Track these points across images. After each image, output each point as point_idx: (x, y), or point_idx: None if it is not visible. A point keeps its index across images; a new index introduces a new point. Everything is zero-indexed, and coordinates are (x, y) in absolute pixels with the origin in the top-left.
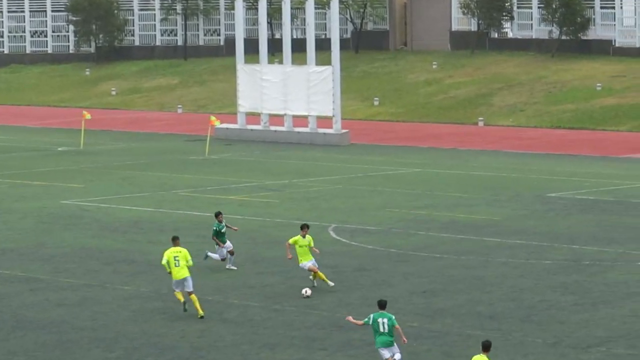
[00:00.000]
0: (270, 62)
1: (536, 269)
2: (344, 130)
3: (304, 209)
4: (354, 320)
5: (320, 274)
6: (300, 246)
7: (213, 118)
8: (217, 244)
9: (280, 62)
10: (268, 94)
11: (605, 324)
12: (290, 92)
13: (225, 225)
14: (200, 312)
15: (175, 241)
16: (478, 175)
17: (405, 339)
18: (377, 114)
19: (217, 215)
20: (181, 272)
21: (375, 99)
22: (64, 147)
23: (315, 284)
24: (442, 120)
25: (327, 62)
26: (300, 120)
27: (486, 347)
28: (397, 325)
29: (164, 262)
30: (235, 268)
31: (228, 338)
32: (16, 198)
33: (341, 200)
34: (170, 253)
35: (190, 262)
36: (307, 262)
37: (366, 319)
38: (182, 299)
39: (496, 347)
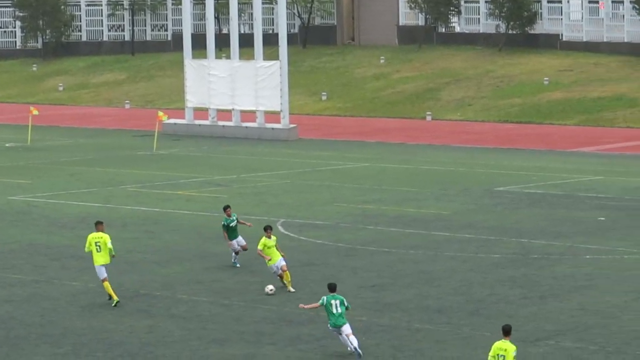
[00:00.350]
0: (218, 57)
1: (485, 263)
2: (292, 125)
3: (253, 204)
4: (309, 305)
5: (287, 274)
6: (268, 247)
7: (161, 113)
8: (225, 239)
9: (228, 57)
10: (216, 89)
11: (553, 317)
12: (238, 87)
13: (237, 220)
14: (115, 297)
15: (97, 226)
16: (426, 170)
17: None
18: (325, 109)
19: (225, 209)
20: (103, 257)
21: (323, 93)
22: (11, 143)
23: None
24: (390, 115)
25: (275, 57)
26: (249, 115)
27: (507, 332)
28: (350, 307)
29: (86, 248)
30: (238, 265)
31: (177, 333)
32: None
33: (289, 195)
34: (92, 238)
35: (111, 247)
36: (277, 261)
37: (320, 301)
38: (114, 295)
39: (445, 340)
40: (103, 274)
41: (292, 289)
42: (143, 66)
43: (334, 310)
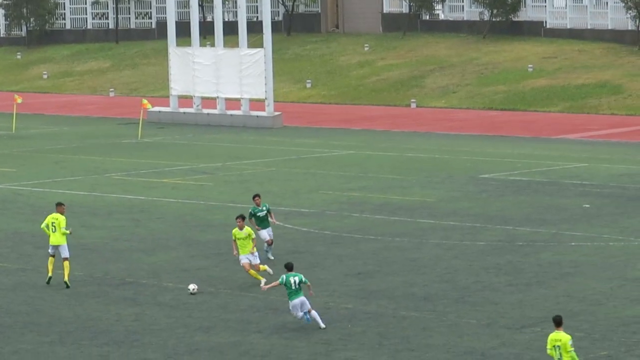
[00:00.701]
0: (202, 45)
1: (470, 250)
2: (276, 113)
3: (238, 191)
4: (270, 285)
5: (253, 272)
6: (238, 239)
7: (145, 101)
8: (255, 227)
9: (212, 45)
10: (200, 77)
11: (539, 304)
12: (222, 75)
13: (269, 211)
14: (66, 278)
15: (58, 207)
16: (411, 157)
17: (312, 292)
18: (309, 97)
19: (254, 197)
20: (56, 238)
21: (308, 81)
22: None
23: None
24: (374, 102)
25: (259, 44)
26: (233, 103)
27: (558, 323)
28: (308, 283)
29: (42, 225)
30: (272, 257)
31: (163, 321)
32: None
33: (275, 182)
34: (49, 218)
35: (65, 231)
36: (244, 255)
37: (280, 280)
38: (50, 273)
39: (431, 328)
40: (65, 253)
41: (263, 286)
42: (127, 54)
43: (293, 287)
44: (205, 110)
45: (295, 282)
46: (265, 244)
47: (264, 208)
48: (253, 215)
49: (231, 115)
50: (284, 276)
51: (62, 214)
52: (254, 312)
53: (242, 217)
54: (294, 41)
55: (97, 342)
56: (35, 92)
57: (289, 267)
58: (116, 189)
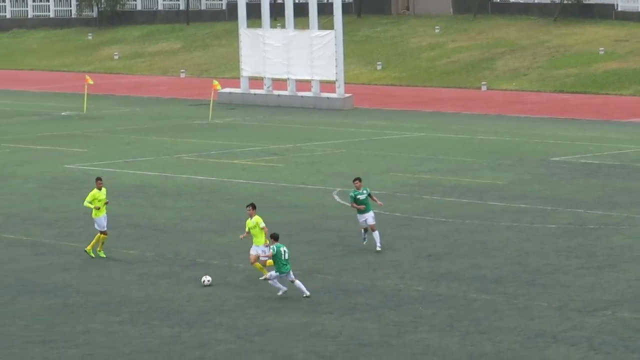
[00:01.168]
0: (273, 26)
1: (541, 233)
2: (347, 95)
3: (308, 173)
4: (265, 255)
5: (258, 265)
6: (250, 228)
7: (216, 82)
8: (358, 210)
9: (283, 26)
10: (271, 59)
11: (610, 287)
12: (293, 56)
13: (369, 194)
14: (98, 251)
15: (97, 181)
16: (481, 140)
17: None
18: (379, 79)
19: (354, 181)
20: (99, 212)
21: (378, 63)
22: (67, 112)
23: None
24: (445, 85)
25: (330, 26)
26: (303, 84)
27: None
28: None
29: (86, 203)
30: (365, 243)
31: (234, 302)
32: (19, 162)
33: (345, 164)
34: (93, 195)
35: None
36: (256, 246)
37: (271, 249)
38: (100, 249)
39: (502, 310)
40: (104, 226)
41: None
42: (198, 35)
43: (283, 257)
44: (276, 92)
45: (284, 252)
46: (362, 231)
47: (365, 191)
48: (354, 199)
49: (302, 96)
50: (275, 246)
51: (100, 189)
52: (325, 293)
53: (253, 206)
54: (364, 23)
55: (169, 322)
56: (106, 73)
57: (276, 237)
58: (187, 169)
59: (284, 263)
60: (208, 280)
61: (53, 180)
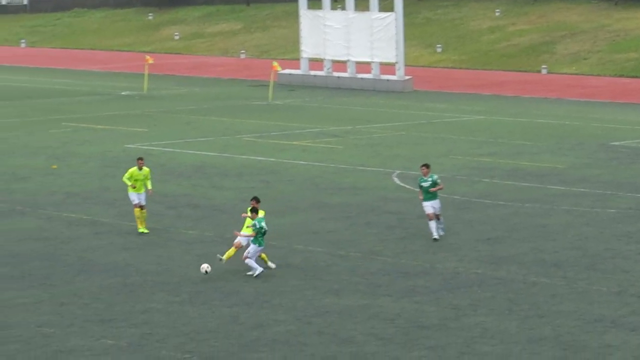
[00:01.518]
0: (333, 8)
1: (600, 218)
2: (407, 77)
3: (367, 155)
4: (245, 234)
5: (264, 255)
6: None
7: (276, 64)
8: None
9: (343, 8)
10: (331, 40)
11: None
12: (353, 38)
13: (435, 182)
14: (143, 229)
15: (138, 161)
16: (541, 123)
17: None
18: (439, 61)
19: (421, 167)
20: (135, 190)
21: (438, 46)
22: (127, 92)
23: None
24: (505, 68)
25: (390, 8)
26: (363, 66)
27: None
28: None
29: (124, 179)
30: (441, 235)
31: (292, 283)
32: (80, 142)
33: (404, 147)
34: (131, 173)
35: (149, 184)
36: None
37: (254, 225)
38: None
39: (561, 294)
40: (143, 201)
41: (272, 265)
42: (258, 16)
43: (262, 232)
44: (336, 74)
45: (263, 227)
46: (430, 223)
47: (430, 179)
48: (419, 185)
49: (361, 78)
50: (257, 221)
51: (140, 169)
52: (383, 275)
53: (256, 200)
54: (425, 5)
55: (227, 302)
56: (166, 53)
57: (256, 211)
58: (246, 150)
59: (262, 237)
60: (207, 269)
61: (114, 159)
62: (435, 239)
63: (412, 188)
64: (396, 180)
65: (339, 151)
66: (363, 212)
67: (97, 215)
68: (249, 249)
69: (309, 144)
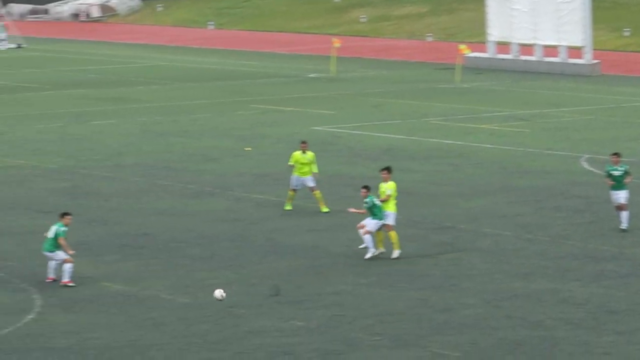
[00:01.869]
0: None
1: None
2: (595, 61)
3: (555, 139)
4: (355, 210)
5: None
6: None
7: (463, 47)
8: (611, 186)
9: None
10: (517, 23)
11: None
12: (539, 21)
13: (626, 172)
14: (324, 208)
15: (301, 145)
16: None
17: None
18: (627, 45)
19: (612, 155)
20: (297, 172)
21: (626, 30)
22: (315, 74)
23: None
24: None
25: None
26: (550, 50)
27: None
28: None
29: (291, 161)
30: (623, 227)
31: (480, 267)
32: (269, 124)
33: (593, 131)
34: (295, 156)
35: (314, 167)
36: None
37: (365, 204)
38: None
39: None
40: (312, 182)
41: (381, 250)
42: None
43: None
44: (523, 57)
45: (374, 202)
46: (617, 212)
47: (621, 168)
48: (608, 174)
49: (548, 62)
50: (369, 198)
51: (304, 152)
52: (573, 259)
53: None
54: None
55: (416, 285)
56: (352, 36)
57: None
58: (434, 133)
59: (380, 208)
60: (222, 295)
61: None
62: (623, 229)
63: (600, 172)
64: (585, 164)
65: (526, 135)
66: (551, 196)
67: (285, 197)
68: (368, 223)
69: (497, 128)
